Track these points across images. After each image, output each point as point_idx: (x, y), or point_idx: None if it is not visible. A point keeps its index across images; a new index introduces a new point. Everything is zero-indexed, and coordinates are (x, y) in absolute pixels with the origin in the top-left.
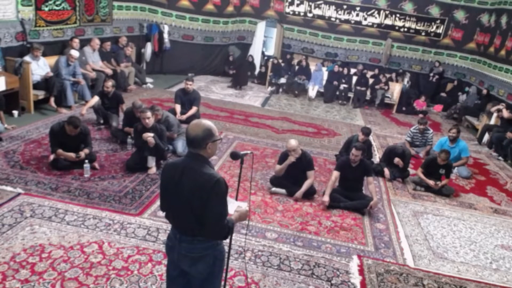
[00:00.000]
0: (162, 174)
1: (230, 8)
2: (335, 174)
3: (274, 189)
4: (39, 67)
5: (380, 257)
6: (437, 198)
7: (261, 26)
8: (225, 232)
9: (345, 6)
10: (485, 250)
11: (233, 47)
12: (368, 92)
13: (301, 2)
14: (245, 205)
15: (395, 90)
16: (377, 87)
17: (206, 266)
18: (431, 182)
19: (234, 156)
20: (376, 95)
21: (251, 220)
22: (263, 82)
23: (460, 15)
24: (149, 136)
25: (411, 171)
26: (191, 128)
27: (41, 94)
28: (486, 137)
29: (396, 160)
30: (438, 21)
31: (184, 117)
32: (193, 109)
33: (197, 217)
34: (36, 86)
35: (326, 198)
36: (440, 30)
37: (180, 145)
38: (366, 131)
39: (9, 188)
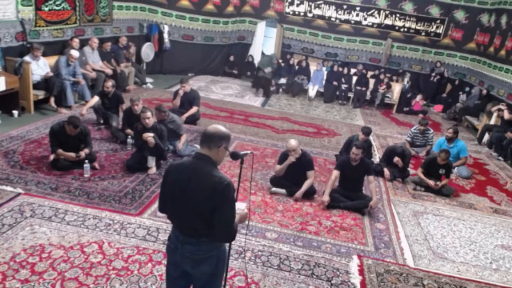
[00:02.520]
0: (167, 175)
1: (230, 8)
2: (335, 173)
3: (274, 189)
4: (39, 67)
5: (380, 257)
6: (437, 198)
7: (261, 26)
8: (233, 234)
9: (345, 6)
10: (485, 250)
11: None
12: (368, 92)
13: (301, 2)
14: (244, 206)
15: (395, 90)
16: (380, 90)
17: (210, 267)
18: (431, 182)
19: (234, 156)
20: (376, 95)
21: (251, 220)
22: None
23: (460, 15)
24: (149, 136)
25: (411, 171)
26: (211, 127)
27: (41, 94)
28: (486, 137)
29: (396, 159)
30: (438, 21)
31: (184, 117)
32: (194, 109)
33: (205, 220)
34: (36, 86)
35: (326, 198)
36: (440, 30)
37: (180, 145)
38: (366, 131)
39: (9, 188)
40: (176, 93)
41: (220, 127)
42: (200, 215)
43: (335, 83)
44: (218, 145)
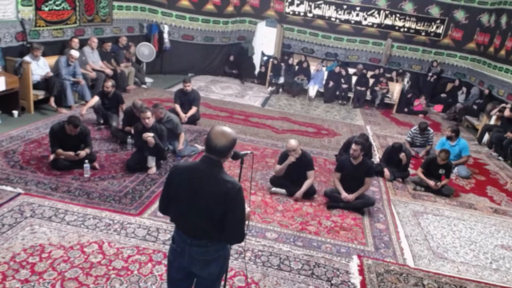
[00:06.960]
0: (173, 177)
1: (230, 8)
2: (336, 175)
3: (274, 189)
4: (39, 67)
5: (380, 257)
6: (437, 198)
7: (261, 26)
8: (243, 236)
9: (345, 6)
10: (485, 250)
11: (245, 44)
12: (368, 92)
13: (301, 2)
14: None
15: (395, 90)
16: (376, 88)
17: (218, 267)
18: (431, 182)
19: (234, 156)
20: (376, 95)
21: (251, 220)
22: (263, 82)
23: (460, 15)
24: (149, 136)
25: (411, 171)
26: (217, 138)
27: (41, 94)
28: (486, 137)
29: (402, 155)
30: (438, 21)
31: (186, 117)
32: (193, 109)
33: (215, 223)
34: (36, 86)
35: (345, 194)
36: (440, 30)
37: (180, 145)
38: (364, 138)
39: (9, 188)
40: (177, 95)
41: (226, 135)
42: (211, 218)
43: (331, 83)
44: (228, 155)
